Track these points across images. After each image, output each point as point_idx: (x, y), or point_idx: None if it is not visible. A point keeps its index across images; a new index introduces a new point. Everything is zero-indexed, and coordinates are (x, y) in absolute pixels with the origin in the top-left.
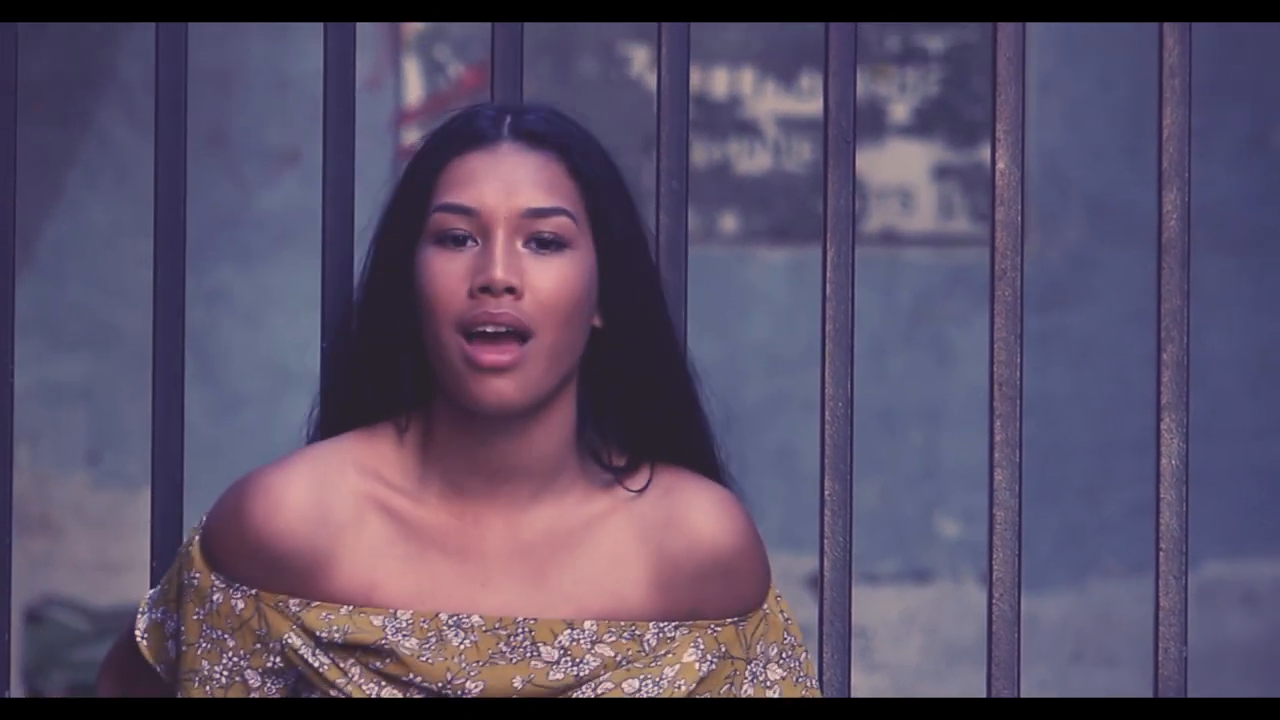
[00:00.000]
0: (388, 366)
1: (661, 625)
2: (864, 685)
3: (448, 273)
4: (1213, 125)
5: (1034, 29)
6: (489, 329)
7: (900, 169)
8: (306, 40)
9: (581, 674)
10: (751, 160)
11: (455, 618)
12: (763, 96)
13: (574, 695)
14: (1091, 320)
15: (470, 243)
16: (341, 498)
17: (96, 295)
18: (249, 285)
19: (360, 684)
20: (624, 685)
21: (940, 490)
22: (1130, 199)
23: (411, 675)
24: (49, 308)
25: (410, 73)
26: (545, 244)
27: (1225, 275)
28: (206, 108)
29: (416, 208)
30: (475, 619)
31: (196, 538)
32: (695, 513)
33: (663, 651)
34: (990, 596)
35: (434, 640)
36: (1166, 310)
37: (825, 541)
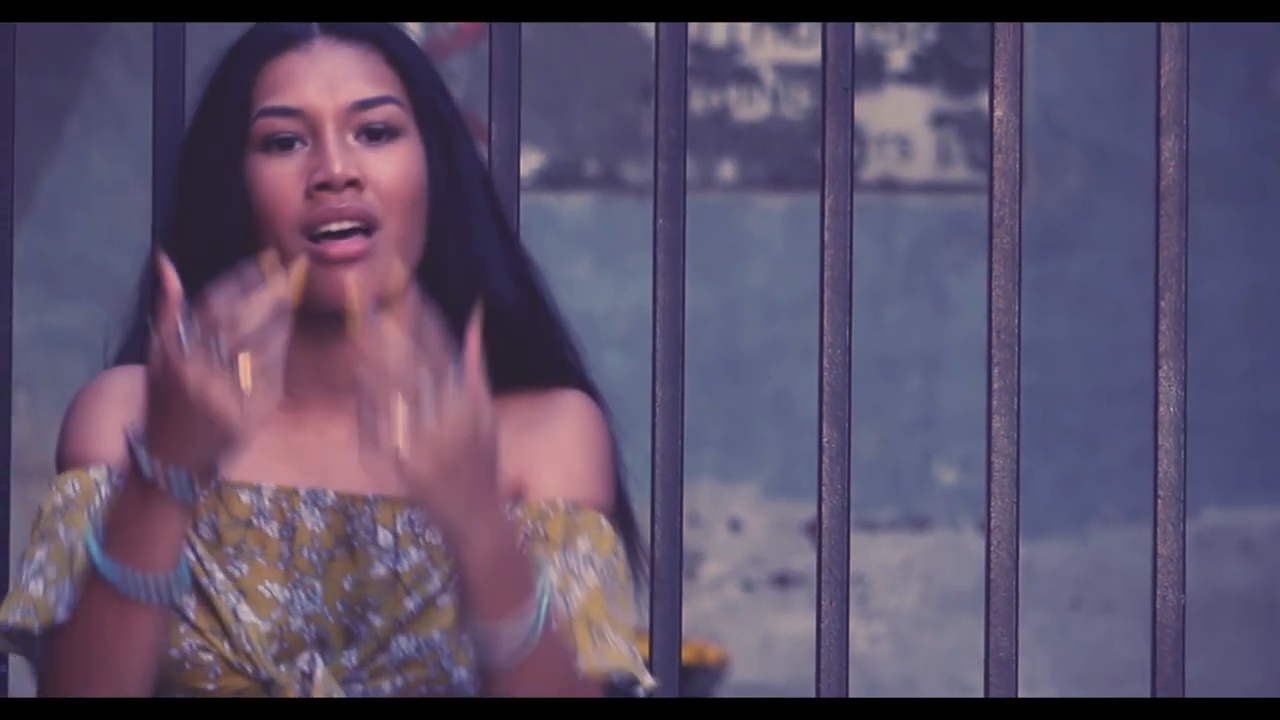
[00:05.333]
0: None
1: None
2: (862, 633)
3: (281, 176)
4: (1210, 72)
5: None
6: (334, 227)
7: (898, 116)
8: None
9: (400, 569)
10: (750, 108)
11: (312, 493)
12: (761, 44)
13: (382, 606)
14: (1089, 267)
15: (299, 144)
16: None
17: (95, 243)
18: None
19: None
20: (440, 600)
21: (938, 438)
22: (1128, 146)
23: (265, 562)
24: (48, 256)
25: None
26: (377, 134)
27: (1222, 222)
28: (204, 54)
29: (235, 116)
30: (330, 495)
31: (54, 487)
32: (543, 396)
33: None
34: (988, 544)
35: (291, 523)
36: (1164, 258)
37: (823, 489)
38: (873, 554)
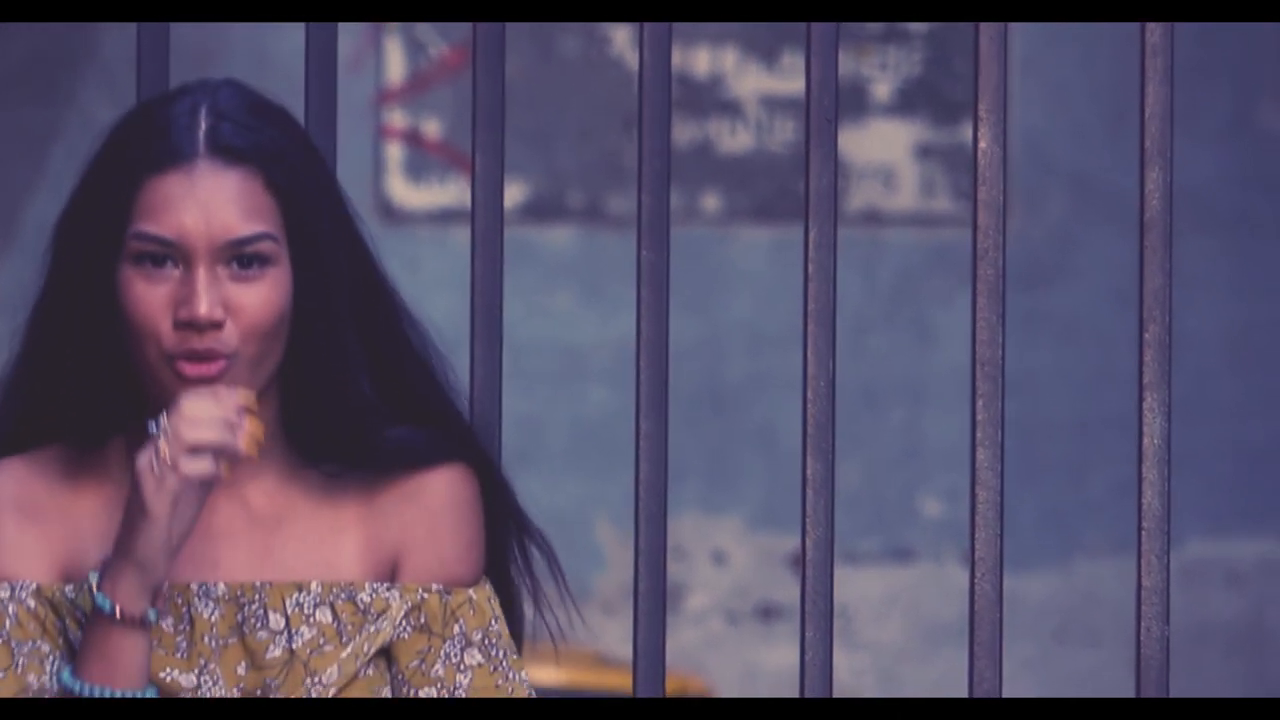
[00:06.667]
0: (92, 379)
1: (375, 585)
2: (845, 665)
3: (150, 300)
4: (1195, 106)
5: None
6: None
7: (882, 148)
8: None
9: (295, 647)
10: (733, 139)
11: (203, 586)
12: (745, 75)
13: (282, 685)
14: (1074, 299)
15: (170, 264)
16: (64, 480)
17: None
18: None
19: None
20: (327, 671)
21: (922, 470)
22: (1112, 178)
23: (166, 670)
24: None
25: (392, 52)
26: (248, 263)
27: (1207, 255)
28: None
29: (112, 228)
30: (220, 587)
31: None
32: (418, 474)
33: (377, 612)
34: (972, 576)
35: (187, 616)
36: (1148, 290)
37: (807, 521)
38: (857, 586)
